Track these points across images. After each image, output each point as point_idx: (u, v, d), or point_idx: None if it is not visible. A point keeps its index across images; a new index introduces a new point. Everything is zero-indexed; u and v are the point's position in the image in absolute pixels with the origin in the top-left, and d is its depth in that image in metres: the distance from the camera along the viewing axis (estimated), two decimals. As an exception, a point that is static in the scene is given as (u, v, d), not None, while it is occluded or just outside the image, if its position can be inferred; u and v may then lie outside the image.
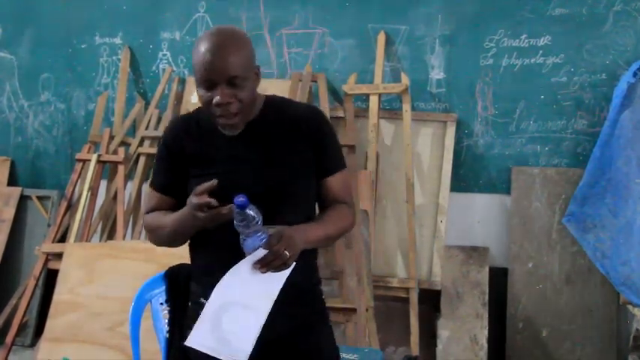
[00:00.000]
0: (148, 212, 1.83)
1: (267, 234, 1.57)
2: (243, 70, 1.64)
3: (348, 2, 3.73)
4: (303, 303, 1.78)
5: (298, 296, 1.75)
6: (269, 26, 3.85)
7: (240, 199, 1.50)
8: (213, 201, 1.57)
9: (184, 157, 1.77)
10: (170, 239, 1.78)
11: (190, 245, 1.83)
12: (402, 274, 3.58)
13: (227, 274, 1.62)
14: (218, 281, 1.63)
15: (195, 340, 1.59)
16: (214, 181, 1.59)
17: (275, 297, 1.60)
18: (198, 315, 1.65)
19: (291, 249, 1.59)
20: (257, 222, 1.55)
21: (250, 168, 1.72)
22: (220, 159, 1.74)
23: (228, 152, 1.75)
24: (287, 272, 1.61)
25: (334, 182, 1.81)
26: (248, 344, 1.56)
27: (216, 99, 1.63)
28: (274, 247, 1.57)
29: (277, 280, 1.61)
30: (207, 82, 1.64)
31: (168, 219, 1.74)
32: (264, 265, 1.58)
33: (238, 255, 1.60)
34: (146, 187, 3.73)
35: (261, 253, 1.57)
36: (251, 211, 1.53)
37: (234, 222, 1.54)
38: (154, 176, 1.85)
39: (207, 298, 1.65)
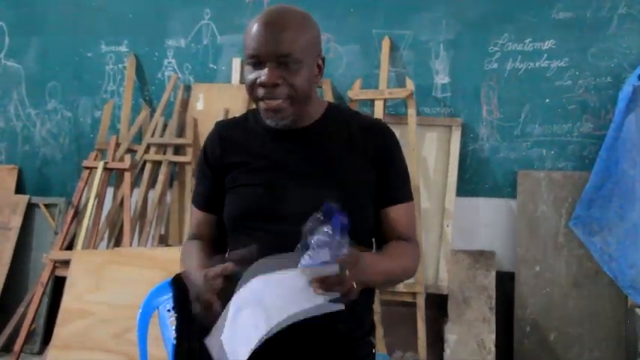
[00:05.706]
0: (189, 237, 1.57)
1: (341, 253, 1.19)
2: (299, 51, 1.37)
3: (353, 8, 3.75)
4: (345, 356, 1.43)
5: (340, 349, 1.41)
6: (274, 33, 3.86)
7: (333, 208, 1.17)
8: (217, 306, 1.26)
9: (223, 167, 1.51)
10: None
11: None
12: (409, 279, 3.58)
13: (260, 277, 1.24)
14: None
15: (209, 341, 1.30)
16: (229, 266, 1.27)
17: (299, 316, 1.21)
18: None
19: (361, 280, 1.24)
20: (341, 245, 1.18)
21: (299, 184, 1.41)
22: (264, 167, 1.46)
23: (275, 160, 1.46)
24: (338, 307, 1.21)
25: (400, 215, 1.52)
26: (244, 351, 1.21)
27: (262, 78, 1.37)
28: (346, 275, 1.20)
29: (317, 303, 1.21)
30: (254, 59, 1.38)
31: (191, 261, 1.47)
32: (325, 286, 1.19)
33: None
34: (153, 194, 3.78)
35: (331, 270, 1.18)
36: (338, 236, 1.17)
37: (307, 234, 1.18)
38: (194, 190, 1.61)
39: None
